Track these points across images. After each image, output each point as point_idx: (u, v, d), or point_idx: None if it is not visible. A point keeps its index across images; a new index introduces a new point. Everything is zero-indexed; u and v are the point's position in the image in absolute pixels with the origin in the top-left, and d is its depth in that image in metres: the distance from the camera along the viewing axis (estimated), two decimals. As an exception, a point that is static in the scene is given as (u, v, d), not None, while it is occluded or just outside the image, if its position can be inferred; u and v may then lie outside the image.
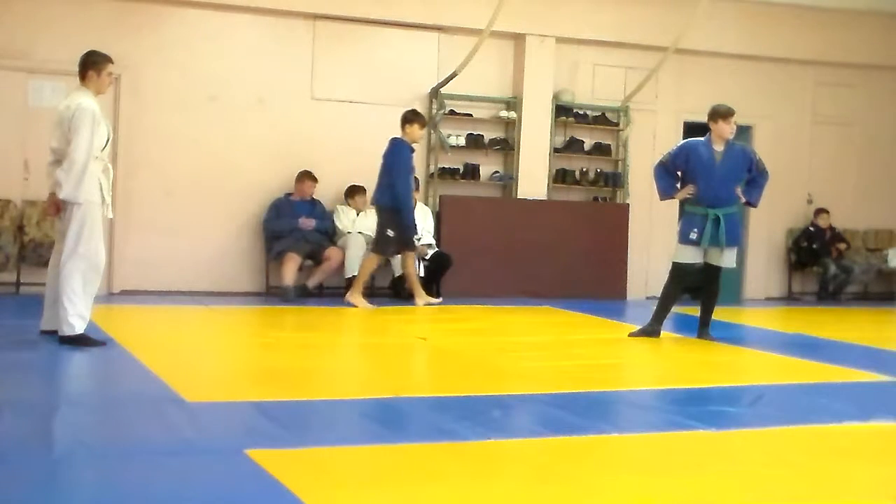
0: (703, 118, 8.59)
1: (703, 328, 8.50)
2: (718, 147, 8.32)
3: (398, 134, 10.04)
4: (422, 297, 10.22)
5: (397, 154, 9.96)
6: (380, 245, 10.03)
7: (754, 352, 8.28)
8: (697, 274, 8.49)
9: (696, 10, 10.99)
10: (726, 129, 8.33)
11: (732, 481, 4.24)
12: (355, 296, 9.95)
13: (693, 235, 8.27)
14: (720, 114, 8.32)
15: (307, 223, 10.62)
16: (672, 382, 6.80)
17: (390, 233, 9.86)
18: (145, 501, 3.71)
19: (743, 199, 8.44)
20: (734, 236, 8.38)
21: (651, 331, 8.38)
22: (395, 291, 10.94)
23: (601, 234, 11.83)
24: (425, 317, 9.78)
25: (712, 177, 8.26)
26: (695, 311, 8.71)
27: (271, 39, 11.08)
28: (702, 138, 8.43)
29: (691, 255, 8.33)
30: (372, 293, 11.25)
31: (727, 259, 8.37)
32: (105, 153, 7.03)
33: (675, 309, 8.72)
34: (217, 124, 10.82)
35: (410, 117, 10.11)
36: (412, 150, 10.07)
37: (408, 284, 10.37)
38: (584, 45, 12.11)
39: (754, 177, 8.43)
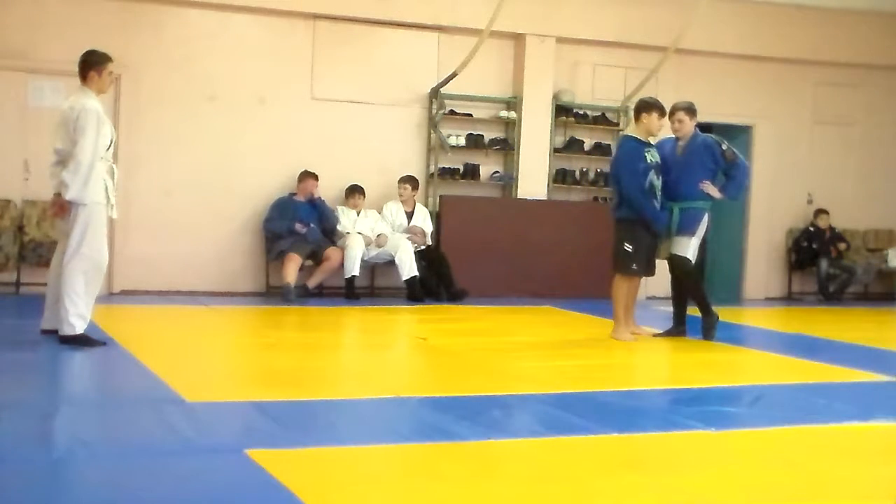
0: (703, 118, 8.58)
1: (678, 325, 8.51)
2: (682, 141, 8.30)
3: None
4: (620, 332, 8.39)
5: (621, 154, 8.45)
6: (619, 263, 8.40)
7: (754, 352, 8.28)
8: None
9: (696, 10, 10.99)
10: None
11: (732, 481, 4.24)
12: (617, 330, 8.40)
13: None
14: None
15: (301, 228, 10.61)
16: (672, 382, 6.80)
17: (628, 247, 8.27)
18: (145, 501, 3.71)
19: (717, 195, 8.26)
20: (685, 224, 8.21)
21: (676, 331, 8.48)
22: (410, 293, 10.84)
23: (601, 234, 11.75)
24: (425, 317, 9.77)
25: (670, 170, 8.27)
26: (696, 311, 8.70)
27: (271, 39, 11.08)
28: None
29: (663, 251, 8.39)
30: (372, 293, 11.27)
31: (677, 246, 8.24)
32: (109, 153, 7.04)
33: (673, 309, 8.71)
34: (217, 124, 10.82)
35: (642, 105, 8.43)
36: (647, 145, 8.28)
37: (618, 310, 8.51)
38: (584, 45, 12.11)
39: (727, 169, 8.28)
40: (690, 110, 8.31)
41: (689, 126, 8.28)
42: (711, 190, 8.24)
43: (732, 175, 8.33)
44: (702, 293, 8.43)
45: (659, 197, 8.26)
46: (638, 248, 8.25)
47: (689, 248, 8.25)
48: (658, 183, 8.25)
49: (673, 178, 8.25)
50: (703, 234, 8.35)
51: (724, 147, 8.28)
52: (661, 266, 8.61)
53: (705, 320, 8.36)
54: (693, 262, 8.34)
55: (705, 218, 8.30)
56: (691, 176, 8.20)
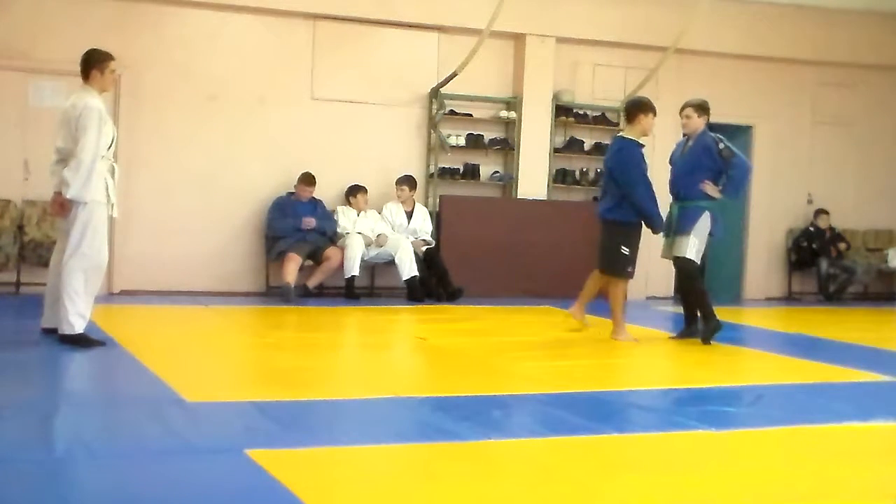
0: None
1: (689, 326, 8.37)
2: (691, 140, 8.29)
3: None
4: (620, 332, 8.31)
5: (628, 159, 8.10)
6: (614, 266, 8.22)
7: (754, 352, 8.29)
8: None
9: (696, 10, 11.00)
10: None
11: (732, 481, 4.24)
12: (618, 332, 8.31)
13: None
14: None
15: (309, 222, 10.62)
16: (672, 382, 6.80)
17: (625, 250, 8.11)
18: (145, 501, 3.71)
19: (717, 195, 8.15)
20: (682, 223, 8.14)
21: (689, 331, 8.39)
22: (410, 293, 10.83)
23: (601, 234, 11.83)
24: (425, 317, 9.77)
25: (673, 170, 8.34)
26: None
27: (271, 39, 11.08)
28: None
29: (665, 250, 8.42)
30: (372, 293, 11.27)
31: (678, 247, 8.18)
32: (111, 152, 7.04)
33: (675, 309, 8.71)
34: (217, 124, 10.82)
35: (638, 106, 8.28)
36: (642, 146, 8.19)
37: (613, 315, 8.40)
38: (584, 45, 12.11)
39: (725, 168, 8.14)
40: (699, 107, 8.23)
41: (696, 123, 8.20)
42: (710, 189, 8.15)
43: (731, 175, 8.16)
44: (702, 297, 8.26)
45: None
46: (633, 251, 8.21)
47: (688, 247, 8.11)
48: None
49: (675, 176, 8.28)
50: (705, 233, 8.16)
51: (720, 146, 8.12)
52: (661, 266, 8.61)
53: (706, 325, 8.19)
54: (696, 262, 8.22)
55: (705, 216, 8.13)
56: (691, 175, 8.15)
